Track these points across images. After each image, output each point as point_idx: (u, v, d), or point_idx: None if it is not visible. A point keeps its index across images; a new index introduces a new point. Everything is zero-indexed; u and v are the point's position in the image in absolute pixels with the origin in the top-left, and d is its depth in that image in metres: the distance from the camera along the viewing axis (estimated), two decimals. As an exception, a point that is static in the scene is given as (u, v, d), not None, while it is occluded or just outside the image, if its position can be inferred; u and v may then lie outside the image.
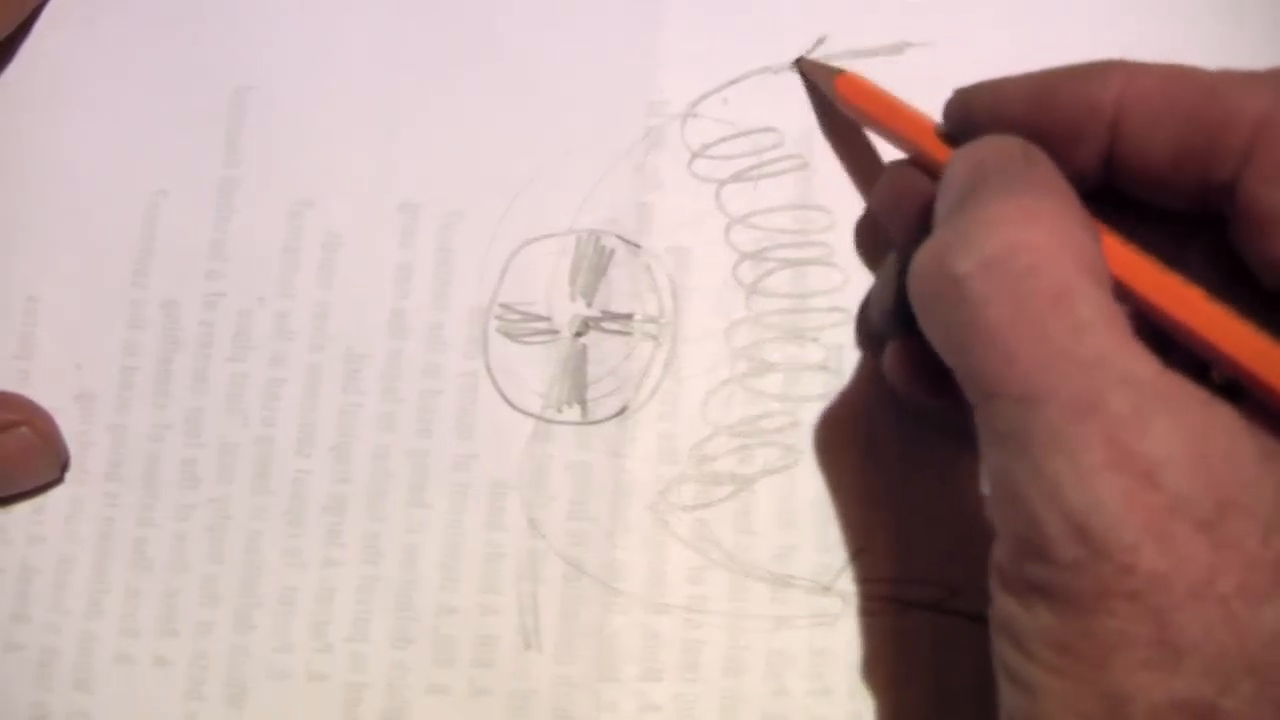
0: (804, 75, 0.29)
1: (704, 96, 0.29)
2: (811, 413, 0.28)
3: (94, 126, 0.30)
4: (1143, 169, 0.22)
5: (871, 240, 0.29)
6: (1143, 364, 0.18)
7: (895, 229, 0.26)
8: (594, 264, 0.29)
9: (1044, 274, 0.19)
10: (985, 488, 0.20)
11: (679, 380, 0.28)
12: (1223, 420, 0.18)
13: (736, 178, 0.29)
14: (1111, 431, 0.17)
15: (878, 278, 0.27)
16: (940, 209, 0.22)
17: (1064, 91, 0.23)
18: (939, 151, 0.25)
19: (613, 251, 0.29)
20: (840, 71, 0.28)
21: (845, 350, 0.28)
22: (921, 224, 0.24)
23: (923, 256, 0.20)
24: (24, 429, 0.28)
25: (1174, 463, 0.17)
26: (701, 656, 0.27)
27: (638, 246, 0.29)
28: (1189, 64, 0.22)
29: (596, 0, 0.30)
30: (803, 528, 0.27)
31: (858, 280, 0.28)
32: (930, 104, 0.29)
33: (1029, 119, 0.23)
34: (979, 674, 0.26)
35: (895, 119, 0.26)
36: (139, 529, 0.28)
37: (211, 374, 0.29)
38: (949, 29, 0.30)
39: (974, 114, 0.24)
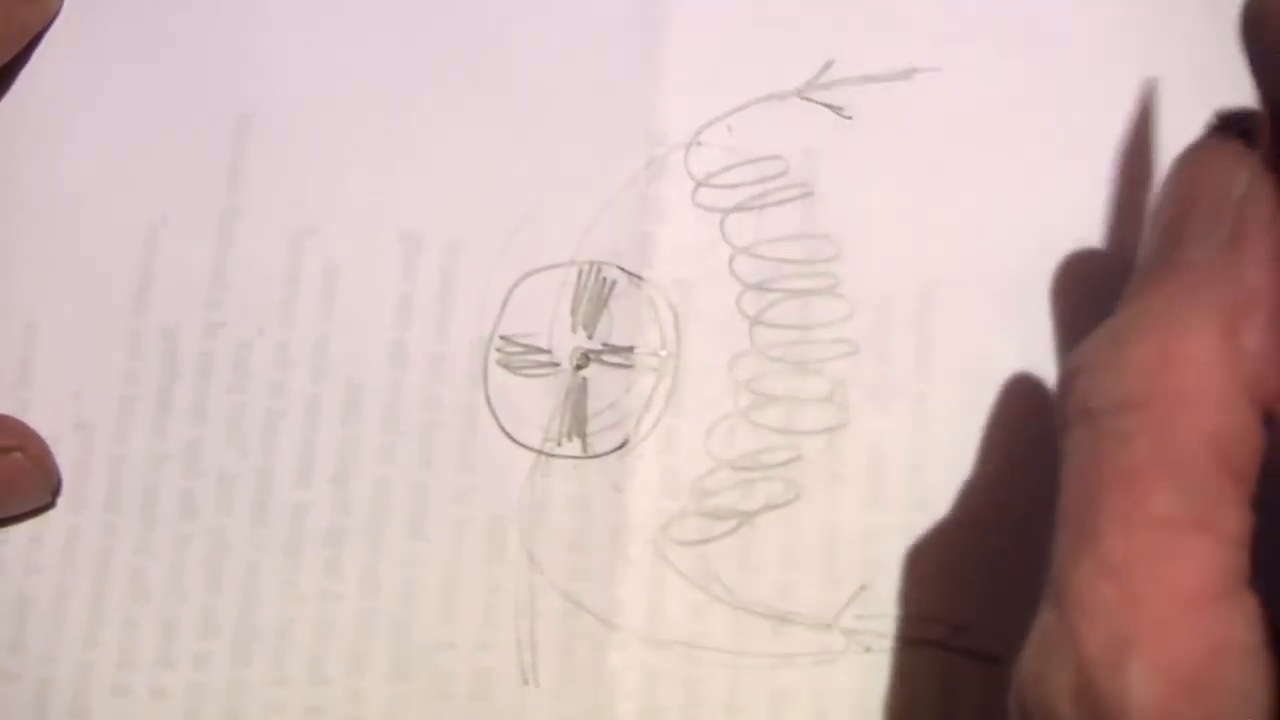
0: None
1: (708, 124, 0.29)
2: (815, 447, 0.28)
3: (94, 153, 0.30)
4: None
5: None
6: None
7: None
8: (595, 296, 0.29)
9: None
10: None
11: (681, 413, 0.28)
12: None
13: (740, 207, 0.29)
14: (1162, 624, 0.16)
15: None
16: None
17: None
18: None
19: (614, 283, 0.29)
20: None
21: (849, 383, 0.28)
22: None
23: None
24: (17, 454, 0.28)
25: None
26: (701, 694, 0.27)
27: (640, 278, 0.29)
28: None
29: (598, 29, 0.30)
30: (805, 564, 0.27)
31: (863, 311, 0.28)
32: (938, 129, 0.29)
33: None
34: (985, 712, 0.26)
35: None
36: (137, 559, 0.28)
37: (211, 404, 0.29)
38: (957, 55, 0.29)
39: None
